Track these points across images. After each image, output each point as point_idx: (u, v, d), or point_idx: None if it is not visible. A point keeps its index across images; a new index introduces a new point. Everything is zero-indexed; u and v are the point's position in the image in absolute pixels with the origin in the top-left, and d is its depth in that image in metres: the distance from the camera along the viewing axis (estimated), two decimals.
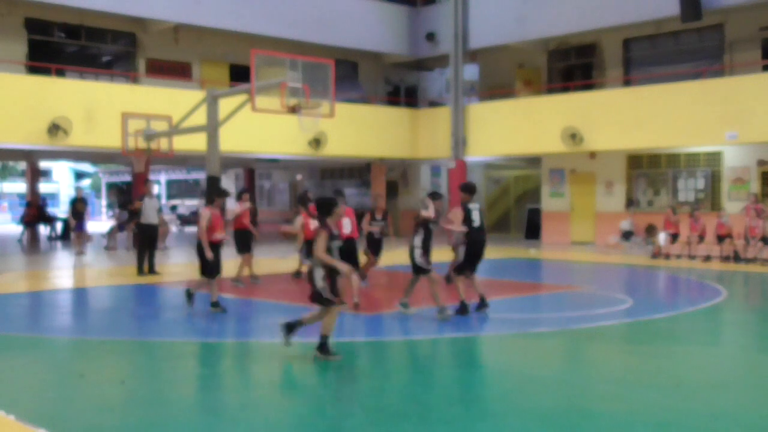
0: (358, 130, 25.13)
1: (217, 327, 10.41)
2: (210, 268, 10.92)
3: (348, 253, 11.15)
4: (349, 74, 28.09)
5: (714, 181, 22.53)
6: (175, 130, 18.85)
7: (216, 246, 11.01)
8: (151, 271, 16.24)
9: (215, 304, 10.94)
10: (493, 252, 21.45)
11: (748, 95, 19.96)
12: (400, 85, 30.57)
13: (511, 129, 24.68)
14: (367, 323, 10.41)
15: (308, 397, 6.78)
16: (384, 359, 8.25)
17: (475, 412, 6.21)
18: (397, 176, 30.19)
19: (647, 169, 24.07)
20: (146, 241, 16.21)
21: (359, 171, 31.26)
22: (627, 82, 24.31)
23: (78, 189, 21.88)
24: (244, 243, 14.35)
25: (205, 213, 11.01)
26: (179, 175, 49.21)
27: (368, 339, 9.37)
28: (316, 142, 23.76)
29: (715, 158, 22.46)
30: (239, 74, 23.56)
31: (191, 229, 36.41)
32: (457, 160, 25.60)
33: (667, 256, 19.79)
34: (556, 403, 6.41)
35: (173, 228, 34.57)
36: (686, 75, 22.51)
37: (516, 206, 30.23)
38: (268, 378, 7.52)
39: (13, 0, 20.73)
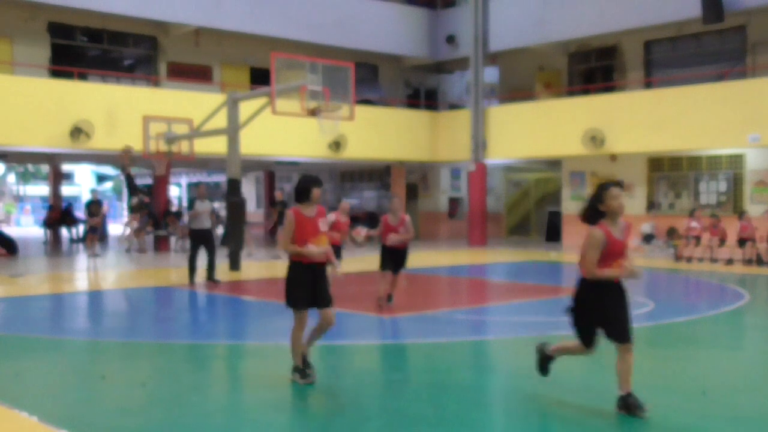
0: (378, 133, 25.15)
1: (236, 329, 10.45)
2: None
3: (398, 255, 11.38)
4: (369, 77, 28.13)
5: (736, 183, 22.33)
6: (195, 133, 18.97)
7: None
8: (211, 278, 14.69)
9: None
10: (512, 255, 21.40)
11: None
12: (420, 88, 30.56)
13: (531, 131, 24.60)
14: (386, 325, 10.40)
15: (328, 399, 6.78)
16: (402, 362, 8.24)
17: (494, 416, 6.19)
18: (416, 179, 30.17)
19: (668, 172, 23.90)
20: (199, 248, 14.74)
21: (379, 174, 31.27)
22: (648, 85, 24.16)
23: (93, 192, 22.07)
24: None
25: (597, 232, 6.08)
26: (200, 177, 49.45)
27: (387, 342, 9.36)
28: (336, 145, 23.82)
29: (737, 161, 22.27)
30: (259, 77, 23.68)
31: None
32: (477, 163, 25.55)
33: (689, 260, 19.64)
34: (577, 406, 6.38)
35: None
36: (708, 77, 22.34)
37: (536, 209, 30.11)
38: (290, 380, 7.53)
39: (37, 4, 20.95)
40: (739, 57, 22.66)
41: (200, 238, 14.65)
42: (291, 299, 6.95)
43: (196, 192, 15.04)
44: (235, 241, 17.23)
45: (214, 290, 14.02)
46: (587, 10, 23.58)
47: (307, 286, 6.89)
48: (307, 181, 7.04)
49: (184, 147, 19.53)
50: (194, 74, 24.10)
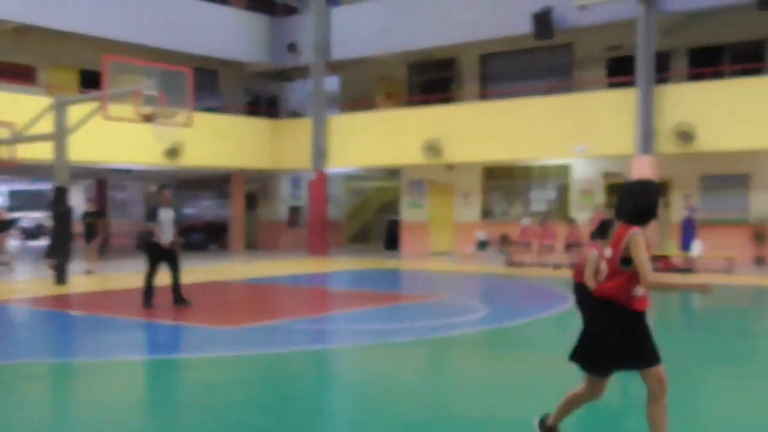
0: (217, 140, 24.64)
1: (64, 346, 9.86)
2: None
3: None
4: (209, 83, 27.52)
5: (563, 192, 23.51)
6: (17, 137, 17.85)
7: None
8: (179, 301, 12.51)
9: None
10: (353, 263, 21.52)
11: (595, 111, 20.98)
12: (261, 96, 30.23)
13: (371, 141, 24.86)
14: (224, 337, 10.12)
15: (167, 416, 6.46)
16: (241, 374, 8.01)
17: (335, 424, 6.11)
18: (256, 188, 29.79)
19: (502, 181, 24.83)
20: (160, 264, 12.52)
21: (218, 182, 30.61)
22: (484, 96, 25.02)
23: None
24: None
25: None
26: (23, 185, 46.61)
27: (225, 354, 9.09)
28: (173, 152, 23.06)
29: (564, 171, 23.44)
30: (91, 80, 22.55)
31: (35, 244, 34.44)
32: (318, 172, 25.53)
33: (520, 265, 20.45)
34: (417, 411, 6.40)
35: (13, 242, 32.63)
36: (539, 90, 23.41)
37: (376, 217, 30.47)
38: (116, 399, 7.14)
39: None
40: (567, 72, 23.92)
41: (163, 253, 12.42)
42: (655, 352, 4.95)
43: (158, 198, 12.71)
44: (61, 253, 16.28)
45: (42, 306, 13.16)
46: (428, 22, 24.10)
47: None
48: (657, 190, 4.92)
49: (4, 152, 18.30)
50: (16, 74, 22.63)
